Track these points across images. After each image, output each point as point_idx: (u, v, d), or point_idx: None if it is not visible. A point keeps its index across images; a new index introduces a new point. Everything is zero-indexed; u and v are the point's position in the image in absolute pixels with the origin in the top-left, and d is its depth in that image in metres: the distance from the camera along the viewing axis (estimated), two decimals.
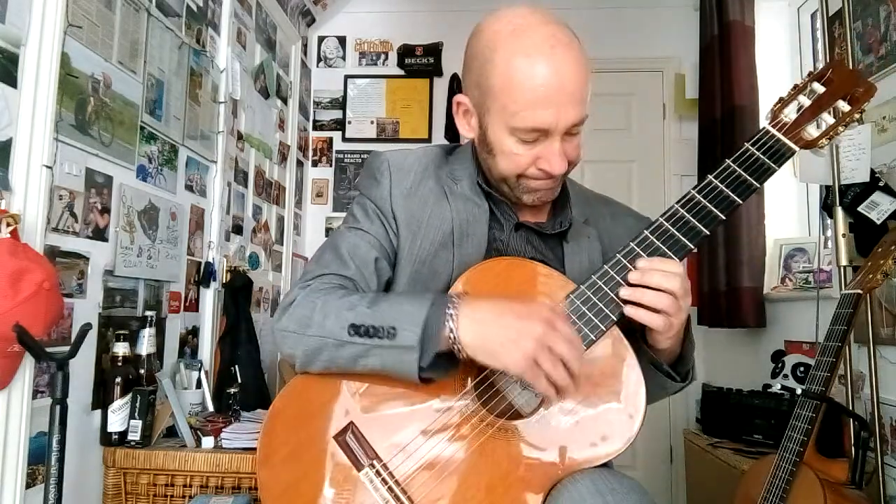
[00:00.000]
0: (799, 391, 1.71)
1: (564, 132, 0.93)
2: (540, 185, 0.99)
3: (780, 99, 0.97)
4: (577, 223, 1.06)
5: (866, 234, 1.82)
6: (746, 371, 2.67)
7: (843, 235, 1.88)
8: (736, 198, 0.90)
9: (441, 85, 3.48)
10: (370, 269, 1.00)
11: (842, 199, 1.89)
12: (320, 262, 1.02)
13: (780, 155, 0.92)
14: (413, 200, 1.03)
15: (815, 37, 2.87)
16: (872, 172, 1.84)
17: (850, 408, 1.90)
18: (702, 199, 0.91)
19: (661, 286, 0.86)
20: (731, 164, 0.92)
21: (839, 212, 1.90)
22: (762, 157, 0.92)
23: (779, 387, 2.24)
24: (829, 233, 2.41)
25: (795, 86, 0.97)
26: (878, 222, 1.79)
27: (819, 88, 0.95)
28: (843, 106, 0.94)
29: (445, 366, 0.89)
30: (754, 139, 0.93)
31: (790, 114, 0.94)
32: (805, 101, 0.95)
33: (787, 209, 2.92)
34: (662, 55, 3.38)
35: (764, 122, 0.96)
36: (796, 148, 0.92)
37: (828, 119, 0.94)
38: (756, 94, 2.74)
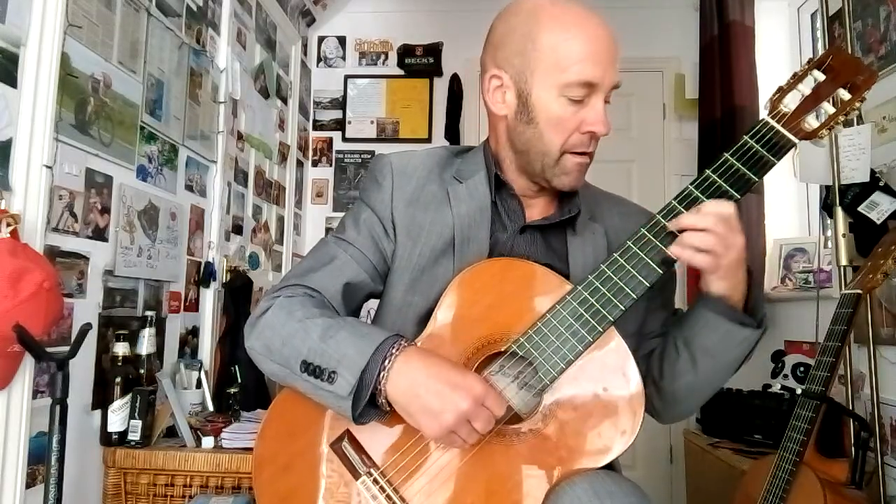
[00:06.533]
0: (799, 391, 1.71)
1: (608, 93, 0.96)
2: (578, 162, 0.98)
3: (779, 88, 0.94)
4: (584, 217, 1.05)
5: (866, 234, 1.82)
6: (746, 371, 2.65)
7: (843, 235, 1.88)
8: (734, 193, 0.89)
9: (441, 85, 3.48)
10: (340, 285, 1.00)
11: (842, 199, 1.88)
12: (297, 270, 1.03)
13: (779, 147, 0.90)
14: (415, 206, 1.03)
15: (815, 37, 2.87)
16: (872, 172, 1.84)
17: (850, 408, 1.90)
18: (699, 195, 0.89)
19: (695, 226, 0.86)
20: (730, 157, 0.90)
21: (839, 212, 1.89)
22: (761, 149, 0.90)
23: (779, 387, 2.24)
24: (829, 233, 2.41)
25: (795, 74, 0.94)
26: (878, 222, 1.78)
27: (819, 76, 0.92)
28: (844, 94, 0.91)
29: (385, 411, 0.89)
30: (753, 131, 0.91)
31: (789, 104, 0.92)
32: (805, 89, 0.92)
33: (787, 209, 2.92)
34: (662, 55, 3.38)
35: (763, 114, 0.93)
36: (796, 140, 0.90)
37: (828, 108, 0.92)
38: (756, 94, 2.74)
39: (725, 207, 0.87)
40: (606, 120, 0.96)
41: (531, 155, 1.00)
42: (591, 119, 0.95)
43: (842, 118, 0.92)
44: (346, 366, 0.86)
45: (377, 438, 0.91)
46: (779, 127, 0.91)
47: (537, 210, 1.06)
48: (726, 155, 0.91)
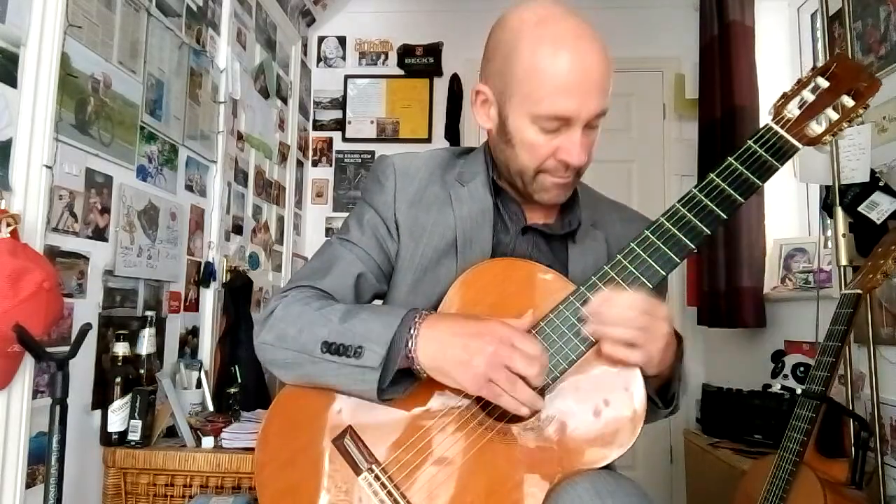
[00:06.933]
0: (799, 391, 1.71)
1: (586, 123, 0.93)
2: (556, 182, 0.97)
3: (784, 94, 0.95)
4: (585, 225, 1.05)
5: (866, 234, 1.82)
6: (746, 371, 2.67)
7: (843, 235, 1.88)
8: (738, 197, 0.89)
9: (441, 85, 3.48)
10: (349, 285, 1.00)
11: (842, 199, 1.88)
12: (303, 272, 1.04)
13: (782, 153, 0.91)
14: (417, 207, 1.03)
15: (815, 37, 2.87)
16: (872, 172, 1.84)
17: (850, 408, 1.90)
18: (703, 198, 0.90)
19: (618, 323, 0.86)
20: (734, 161, 0.91)
21: (839, 212, 1.89)
22: (764, 154, 0.90)
23: (779, 387, 2.24)
24: (829, 233, 2.41)
25: (799, 80, 0.95)
26: (878, 222, 1.78)
27: (823, 83, 0.93)
28: (847, 101, 0.92)
29: (407, 385, 0.89)
30: (757, 136, 0.92)
31: (793, 109, 0.93)
32: (809, 96, 0.93)
33: (787, 209, 2.92)
34: (662, 55, 3.38)
35: (766, 119, 0.95)
36: (800, 146, 0.91)
37: (831, 115, 0.92)
38: (756, 94, 2.74)
39: (641, 299, 0.87)
40: (581, 151, 0.93)
41: (511, 171, 1.00)
42: (566, 149, 0.93)
43: (845, 125, 0.93)
44: (374, 339, 0.87)
45: (379, 435, 0.91)
46: (783, 132, 0.91)
47: (538, 213, 1.06)
48: (730, 159, 0.91)
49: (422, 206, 1.03)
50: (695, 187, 0.91)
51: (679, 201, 0.91)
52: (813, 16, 2.87)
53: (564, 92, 0.89)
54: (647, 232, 0.91)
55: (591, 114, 0.91)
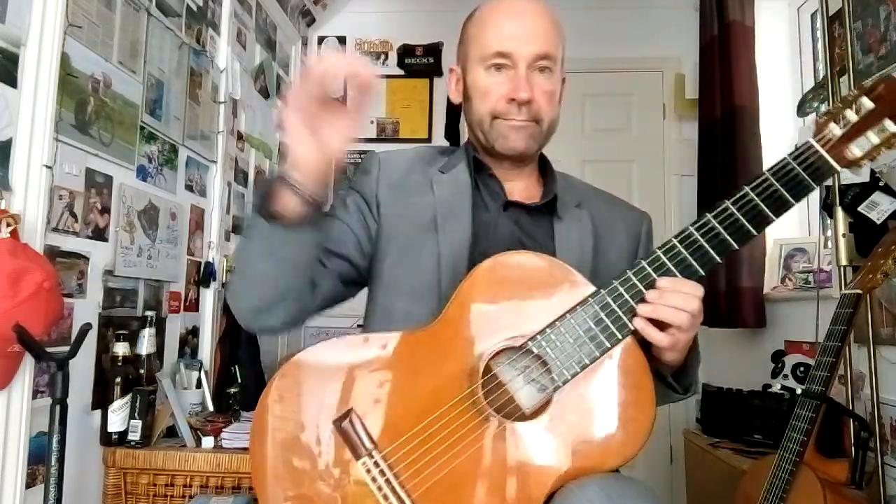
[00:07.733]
0: (799, 391, 1.71)
1: (530, 64, 1.02)
2: (511, 125, 1.04)
3: (828, 112, 0.92)
4: (569, 204, 1.09)
5: (866, 234, 1.82)
6: (746, 371, 2.67)
7: (843, 235, 1.88)
8: (770, 213, 0.88)
9: (441, 85, 3.48)
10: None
11: (842, 199, 1.88)
12: None
13: (820, 172, 0.88)
14: (397, 191, 1.09)
15: (815, 37, 2.87)
16: (872, 172, 1.84)
17: (850, 408, 1.90)
18: (735, 212, 0.89)
19: (680, 307, 0.86)
20: (770, 177, 0.89)
21: (839, 212, 1.89)
22: (802, 172, 0.88)
23: (779, 387, 2.24)
24: (829, 233, 2.41)
25: (843, 98, 0.92)
26: (878, 222, 1.78)
27: (868, 104, 0.90)
28: (891, 126, 0.89)
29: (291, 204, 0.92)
30: (796, 153, 0.90)
31: (835, 129, 0.90)
32: (852, 116, 0.90)
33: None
34: (662, 55, 3.38)
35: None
36: (838, 167, 0.89)
37: (872, 138, 0.90)
38: (756, 94, 2.73)
39: (699, 289, 0.88)
40: (525, 86, 1.01)
41: (474, 129, 1.09)
42: (511, 87, 1.02)
43: (884, 150, 0.90)
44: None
45: (381, 421, 0.90)
46: (823, 152, 0.89)
47: (518, 191, 1.10)
48: (767, 174, 0.89)
49: (402, 190, 1.09)
50: (728, 199, 0.89)
51: (711, 212, 0.90)
52: (813, 16, 2.86)
53: (504, 32, 1.04)
54: (674, 241, 0.90)
55: (531, 53, 1.02)
